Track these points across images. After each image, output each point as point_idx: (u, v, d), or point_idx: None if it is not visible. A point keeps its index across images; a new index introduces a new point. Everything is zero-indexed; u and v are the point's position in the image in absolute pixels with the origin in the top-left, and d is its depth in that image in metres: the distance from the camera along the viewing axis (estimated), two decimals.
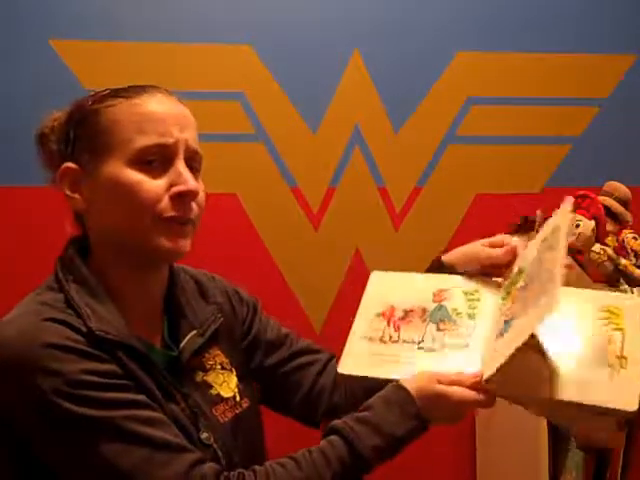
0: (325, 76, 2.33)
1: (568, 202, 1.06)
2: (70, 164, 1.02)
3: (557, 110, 2.43)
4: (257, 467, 0.97)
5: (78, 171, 1.02)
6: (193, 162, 1.03)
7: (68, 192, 1.02)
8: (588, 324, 1.04)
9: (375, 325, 1.13)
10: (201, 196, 1.03)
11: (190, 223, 1.02)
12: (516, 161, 2.42)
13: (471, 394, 0.98)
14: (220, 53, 2.29)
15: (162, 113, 1.01)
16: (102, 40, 2.23)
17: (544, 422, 1.88)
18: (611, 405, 0.94)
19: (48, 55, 2.20)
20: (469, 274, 1.16)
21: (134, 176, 0.99)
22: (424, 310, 1.12)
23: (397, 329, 1.11)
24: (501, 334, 1.02)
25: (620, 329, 1.03)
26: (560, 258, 0.97)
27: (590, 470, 1.92)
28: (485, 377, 0.98)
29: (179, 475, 0.92)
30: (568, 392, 0.96)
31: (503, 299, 1.09)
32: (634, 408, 0.92)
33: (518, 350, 0.94)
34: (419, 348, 1.08)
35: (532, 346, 0.99)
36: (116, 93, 1.03)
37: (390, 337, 1.10)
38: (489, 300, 1.12)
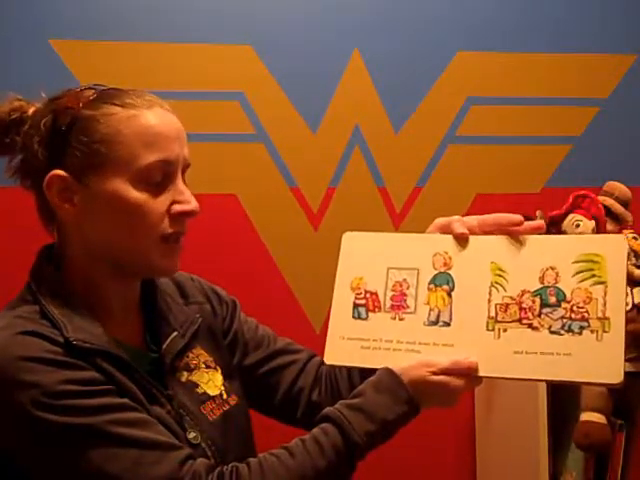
0: (325, 76, 2.33)
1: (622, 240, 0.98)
2: (59, 172, 0.98)
3: (557, 110, 2.43)
4: (250, 459, 0.97)
5: (68, 180, 0.98)
6: (183, 174, 1.03)
7: (57, 201, 0.99)
8: (566, 282, 0.97)
9: (359, 301, 1.08)
10: None
11: (182, 236, 1.03)
12: (516, 161, 2.42)
13: (462, 383, 0.98)
14: (220, 53, 2.29)
15: (163, 128, 0.99)
16: (102, 40, 2.23)
17: (544, 422, 1.88)
18: (595, 380, 0.94)
19: (48, 55, 2.20)
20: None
21: (139, 196, 0.98)
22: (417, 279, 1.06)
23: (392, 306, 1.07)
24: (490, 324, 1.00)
25: (602, 282, 0.95)
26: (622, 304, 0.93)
27: (590, 470, 1.92)
28: (480, 374, 0.99)
29: (171, 473, 0.92)
30: (554, 371, 0.95)
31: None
32: (619, 380, 0.90)
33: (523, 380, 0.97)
34: (429, 323, 1.04)
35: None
36: (108, 99, 1.00)
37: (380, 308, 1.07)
38: (466, 266, 1.05)
